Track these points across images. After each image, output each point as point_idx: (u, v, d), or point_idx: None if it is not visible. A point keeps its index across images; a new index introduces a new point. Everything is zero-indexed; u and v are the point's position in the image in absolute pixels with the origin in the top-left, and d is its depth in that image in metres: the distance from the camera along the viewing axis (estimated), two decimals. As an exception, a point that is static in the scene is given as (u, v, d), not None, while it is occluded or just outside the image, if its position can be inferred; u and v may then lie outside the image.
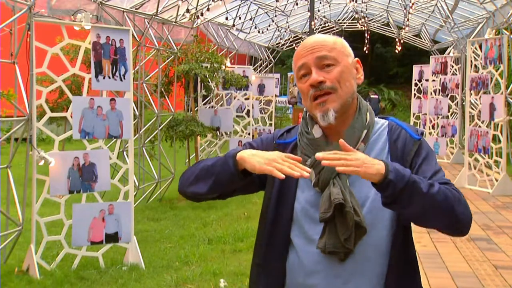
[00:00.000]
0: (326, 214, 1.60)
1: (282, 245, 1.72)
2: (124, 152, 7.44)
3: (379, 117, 1.79)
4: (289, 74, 24.70)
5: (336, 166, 1.48)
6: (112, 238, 5.24)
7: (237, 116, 9.95)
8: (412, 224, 1.73)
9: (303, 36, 18.59)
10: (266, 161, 1.57)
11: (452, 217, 1.57)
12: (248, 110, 10.00)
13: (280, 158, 1.57)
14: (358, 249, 1.62)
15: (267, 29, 15.01)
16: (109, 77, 5.24)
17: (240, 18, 12.48)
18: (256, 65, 17.64)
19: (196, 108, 9.06)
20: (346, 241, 1.60)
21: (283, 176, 1.52)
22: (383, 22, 18.76)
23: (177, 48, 8.84)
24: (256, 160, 1.59)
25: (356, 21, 18.10)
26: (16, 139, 5.16)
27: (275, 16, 13.85)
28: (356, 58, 1.76)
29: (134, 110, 6.93)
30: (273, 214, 1.74)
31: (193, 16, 9.56)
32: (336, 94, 1.66)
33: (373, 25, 19.15)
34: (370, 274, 1.64)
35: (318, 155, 1.52)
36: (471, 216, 1.62)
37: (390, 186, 1.49)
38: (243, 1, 11.98)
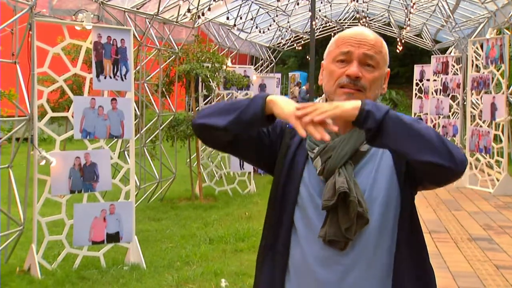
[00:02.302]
0: (329, 202, 1.61)
1: (287, 227, 1.72)
2: (125, 152, 7.44)
3: None
4: (290, 74, 24.69)
5: (313, 117, 1.48)
6: (113, 238, 5.25)
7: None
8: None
9: (304, 36, 18.60)
10: (296, 113, 1.53)
11: (443, 148, 1.49)
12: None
13: (309, 115, 1.53)
14: (359, 237, 1.63)
15: (268, 29, 15.01)
16: (110, 77, 5.24)
17: (241, 18, 12.47)
18: (257, 65, 17.64)
19: (197, 108, 9.06)
20: (347, 230, 1.60)
21: (304, 134, 1.50)
22: (384, 22, 18.74)
23: (178, 48, 8.85)
24: (287, 106, 1.56)
25: (357, 21, 18.07)
26: (17, 139, 5.17)
27: (276, 16, 13.84)
28: (388, 69, 1.77)
29: (135, 110, 6.93)
30: (280, 195, 1.74)
31: (194, 16, 9.56)
32: (364, 94, 1.66)
33: (374, 25, 19.13)
34: (372, 262, 1.64)
35: (297, 113, 1.50)
36: (464, 154, 1.54)
37: (370, 116, 1.48)
38: (244, 1, 11.98)
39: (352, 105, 1.50)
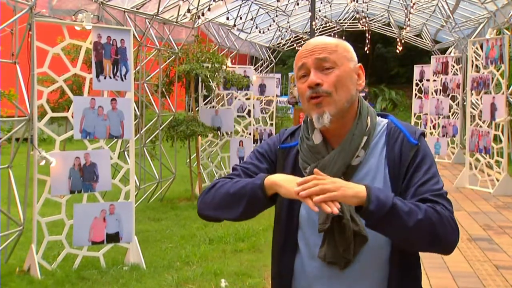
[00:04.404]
0: (324, 225, 1.61)
1: (292, 249, 1.73)
2: (125, 152, 7.44)
3: (378, 114, 1.76)
4: (290, 74, 24.67)
5: (313, 195, 1.47)
6: (113, 238, 5.25)
7: (238, 116, 9.94)
8: None
9: (304, 36, 18.59)
10: (296, 190, 1.52)
11: (436, 242, 1.54)
12: (249, 110, 9.99)
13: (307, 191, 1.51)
14: (358, 256, 1.63)
15: (268, 29, 15.01)
16: (110, 77, 5.24)
17: (241, 18, 12.47)
18: (257, 65, 17.64)
19: (197, 108, 9.06)
20: (345, 251, 1.61)
21: (316, 209, 1.49)
22: (384, 22, 18.74)
23: (178, 48, 8.85)
24: (290, 185, 1.55)
25: (357, 21, 18.08)
26: (17, 139, 5.16)
27: (276, 16, 13.85)
28: (359, 64, 1.73)
29: (135, 110, 6.93)
30: (285, 217, 1.74)
31: (194, 16, 9.56)
32: (330, 98, 1.63)
33: (374, 25, 19.13)
34: (372, 279, 1.64)
35: (297, 189, 1.50)
36: (457, 236, 1.59)
37: (371, 216, 1.49)
38: (244, 1, 11.98)
39: (354, 193, 1.49)
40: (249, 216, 1.68)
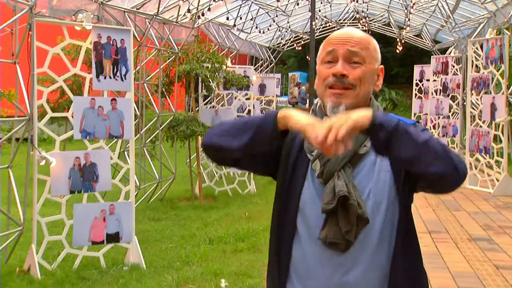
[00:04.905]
0: (328, 205, 1.61)
1: (290, 231, 1.72)
2: (125, 152, 7.44)
3: None
4: (290, 74, 24.68)
5: (334, 137, 1.47)
6: (113, 238, 5.25)
7: (238, 116, 9.95)
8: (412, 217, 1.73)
9: (304, 36, 18.60)
10: (313, 124, 1.52)
11: (448, 159, 1.52)
12: (249, 110, 10.00)
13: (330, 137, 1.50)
14: (359, 239, 1.63)
15: (268, 29, 15.02)
16: (110, 77, 5.24)
17: (241, 18, 12.48)
18: (257, 65, 17.64)
19: (197, 108, 9.06)
20: (347, 233, 1.61)
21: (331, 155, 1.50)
22: (384, 22, 18.74)
23: (178, 48, 8.85)
24: (302, 117, 1.56)
25: (357, 21, 18.08)
26: (17, 139, 5.17)
27: (276, 16, 13.85)
28: (381, 66, 1.76)
29: (135, 110, 6.93)
30: (284, 201, 1.74)
31: (194, 16, 9.56)
32: (354, 91, 1.66)
33: (374, 25, 19.13)
34: (372, 263, 1.65)
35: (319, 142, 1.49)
36: (465, 165, 1.57)
37: (380, 130, 1.50)
38: (244, 1, 11.98)
39: (361, 115, 1.51)
40: (254, 147, 1.64)
